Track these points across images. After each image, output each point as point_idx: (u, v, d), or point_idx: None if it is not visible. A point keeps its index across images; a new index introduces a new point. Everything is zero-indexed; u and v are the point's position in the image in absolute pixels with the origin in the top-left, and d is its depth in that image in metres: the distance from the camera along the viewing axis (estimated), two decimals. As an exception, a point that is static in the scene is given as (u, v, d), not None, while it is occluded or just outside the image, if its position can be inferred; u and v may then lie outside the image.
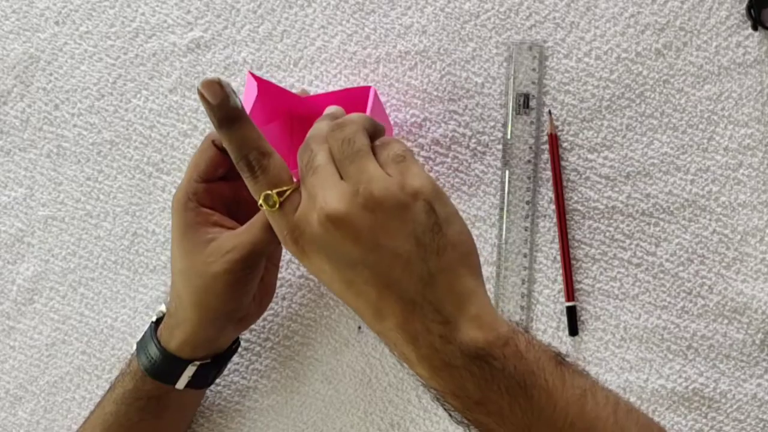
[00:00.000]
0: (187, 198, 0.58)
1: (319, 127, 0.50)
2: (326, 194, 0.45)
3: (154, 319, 0.62)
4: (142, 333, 0.62)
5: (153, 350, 0.59)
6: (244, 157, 0.48)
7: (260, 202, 0.48)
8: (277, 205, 0.47)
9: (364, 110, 0.57)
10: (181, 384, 0.60)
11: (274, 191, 0.47)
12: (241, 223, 0.58)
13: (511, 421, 0.44)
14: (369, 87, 0.58)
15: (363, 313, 0.46)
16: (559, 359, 0.46)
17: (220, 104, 0.47)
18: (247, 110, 0.54)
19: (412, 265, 0.44)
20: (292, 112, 0.62)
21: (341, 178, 0.46)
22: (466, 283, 0.46)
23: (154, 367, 0.59)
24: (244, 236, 0.56)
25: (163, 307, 0.62)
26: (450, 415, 0.47)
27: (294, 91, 0.68)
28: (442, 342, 0.44)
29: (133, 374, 0.60)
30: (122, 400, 0.60)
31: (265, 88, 0.57)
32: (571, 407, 0.45)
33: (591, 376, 0.47)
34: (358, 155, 0.46)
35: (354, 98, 0.58)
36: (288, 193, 0.48)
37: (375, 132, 0.49)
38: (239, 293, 0.58)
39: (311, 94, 0.67)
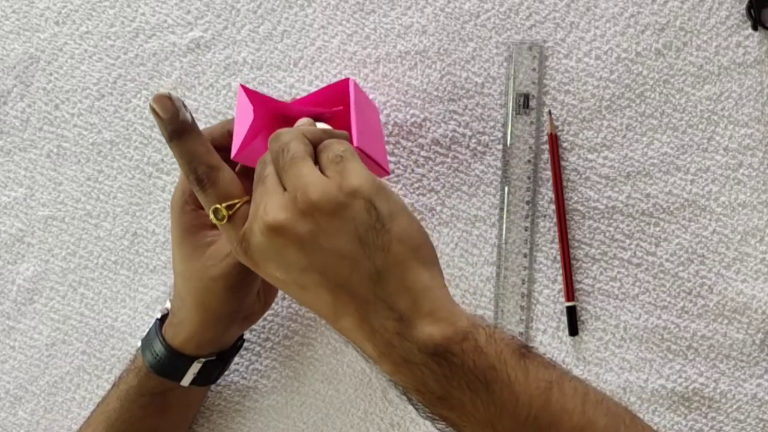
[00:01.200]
0: (184, 201, 0.58)
1: None
2: (266, 204, 0.45)
3: (158, 316, 0.62)
4: (144, 331, 0.63)
5: (158, 347, 0.60)
6: (193, 171, 0.50)
7: (210, 215, 0.49)
8: (226, 219, 0.48)
9: (347, 103, 0.57)
10: (186, 381, 0.60)
11: (223, 205, 0.49)
12: None
13: (474, 416, 0.44)
14: (348, 79, 0.58)
15: (323, 314, 0.47)
16: (522, 352, 0.45)
17: (171, 118, 0.49)
18: (246, 124, 0.54)
19: (359, 264, 0.44)
20: (286, 120, 0.62)
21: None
22: (419, 277, 0.45)
23: (159, 364, 0.59)
24: None
25: (168, 304, 0.62)
26: (416, 409, 0.46)
27: (294, 92, 0.68)
28: (399, 339, 0.44)
29: (137, 371, 0.60)
30: (126, 397, 0.61)
31: (259, 101, 0.56)
32: (535, 400, 0.44)
33: (559, 367, 0.47)
34: (292, 162, 0.46)
35: (336, 93, 0.58)
36: (238, 206, 0.49)
37: (317, 137, 0.49)
38: (241, 294, 0.58)
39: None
